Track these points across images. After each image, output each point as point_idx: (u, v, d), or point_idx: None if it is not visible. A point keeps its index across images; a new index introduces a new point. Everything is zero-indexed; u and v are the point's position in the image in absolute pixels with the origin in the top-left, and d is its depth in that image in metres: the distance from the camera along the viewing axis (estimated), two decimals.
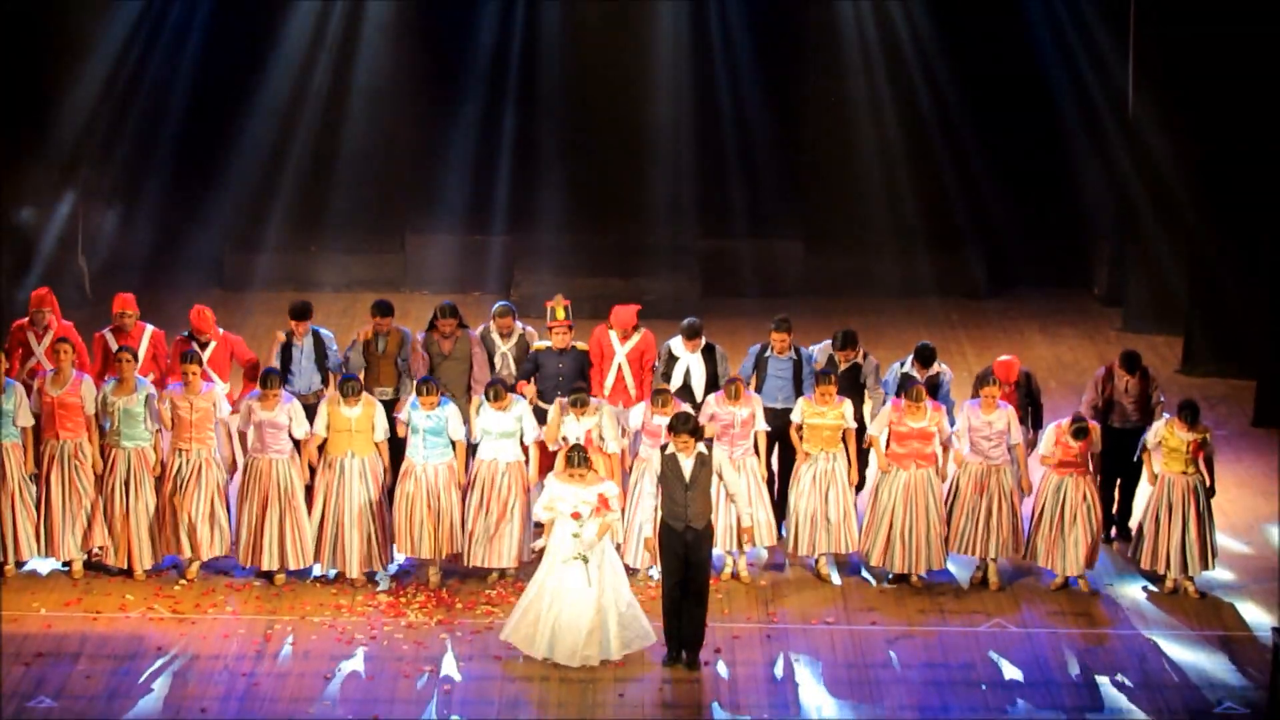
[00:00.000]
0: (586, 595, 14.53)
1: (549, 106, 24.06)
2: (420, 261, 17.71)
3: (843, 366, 17.09)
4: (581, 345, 17.18)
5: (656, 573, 15.65)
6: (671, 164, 24.06)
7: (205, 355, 16.88)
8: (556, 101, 24.03)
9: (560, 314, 16.88)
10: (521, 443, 16.30)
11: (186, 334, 17.08)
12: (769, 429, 16.64)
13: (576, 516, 14.56)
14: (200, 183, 23.80)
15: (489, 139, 24.05)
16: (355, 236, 18.11)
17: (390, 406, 16.71)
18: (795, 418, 16.55)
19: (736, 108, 24.22)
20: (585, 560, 14.52)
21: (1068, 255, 24.68)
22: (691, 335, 16.94)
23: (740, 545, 15.98)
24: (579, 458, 14.74)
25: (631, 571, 15.93)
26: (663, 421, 15.55)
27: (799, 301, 16.91)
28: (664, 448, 14.77)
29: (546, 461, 16.26)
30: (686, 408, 15.65)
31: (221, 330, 17.26)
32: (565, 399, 16.05)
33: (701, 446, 14.81)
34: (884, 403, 16.63)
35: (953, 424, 16.55)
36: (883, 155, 24.28)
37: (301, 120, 23.74)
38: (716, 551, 15.84)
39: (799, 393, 16.89)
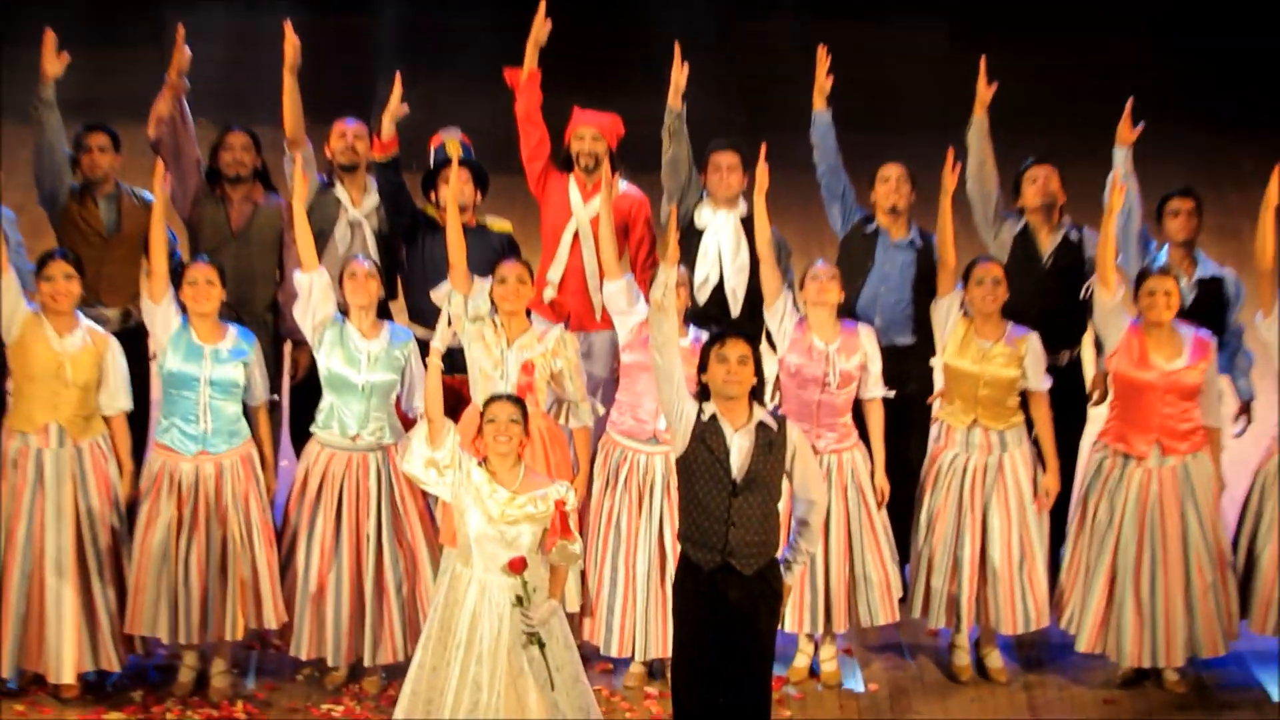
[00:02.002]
0: (541, 703, 10.44)
1: None
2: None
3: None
4: (501, 223, 12.47)
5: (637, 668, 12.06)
6: None
7: None
8: None
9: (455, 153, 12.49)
10: (399, 408, 11.92)
11: None
12: (889, 394, 12.04)
13: (519, 567, 10.12)
14: None
15: None
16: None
17: (134, 338, 12.12)
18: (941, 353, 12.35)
19: None
20: (541, 645, 10.35)
21: None
22: (727, 150, 12.33)
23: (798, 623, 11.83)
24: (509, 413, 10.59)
25: (611, 663, 12.24)
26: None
27: (931, 133, 11.68)
28: (701, 398, 10.34)
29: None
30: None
31: None
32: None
33: (765, 414, 10.23)
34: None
35: (1245, 396, 12.13)
36: None
37: None
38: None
39: (921, 315, 12.22)
